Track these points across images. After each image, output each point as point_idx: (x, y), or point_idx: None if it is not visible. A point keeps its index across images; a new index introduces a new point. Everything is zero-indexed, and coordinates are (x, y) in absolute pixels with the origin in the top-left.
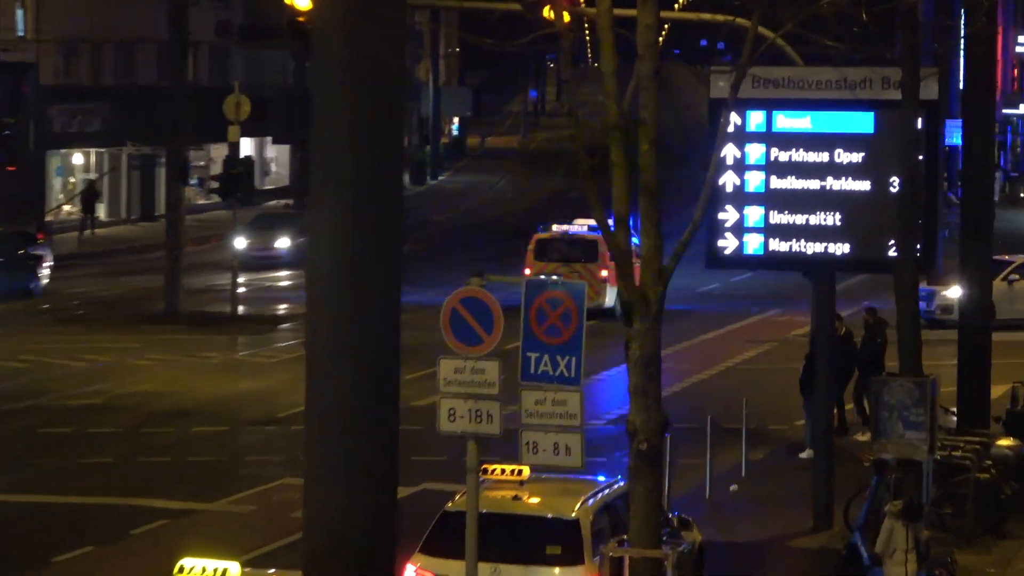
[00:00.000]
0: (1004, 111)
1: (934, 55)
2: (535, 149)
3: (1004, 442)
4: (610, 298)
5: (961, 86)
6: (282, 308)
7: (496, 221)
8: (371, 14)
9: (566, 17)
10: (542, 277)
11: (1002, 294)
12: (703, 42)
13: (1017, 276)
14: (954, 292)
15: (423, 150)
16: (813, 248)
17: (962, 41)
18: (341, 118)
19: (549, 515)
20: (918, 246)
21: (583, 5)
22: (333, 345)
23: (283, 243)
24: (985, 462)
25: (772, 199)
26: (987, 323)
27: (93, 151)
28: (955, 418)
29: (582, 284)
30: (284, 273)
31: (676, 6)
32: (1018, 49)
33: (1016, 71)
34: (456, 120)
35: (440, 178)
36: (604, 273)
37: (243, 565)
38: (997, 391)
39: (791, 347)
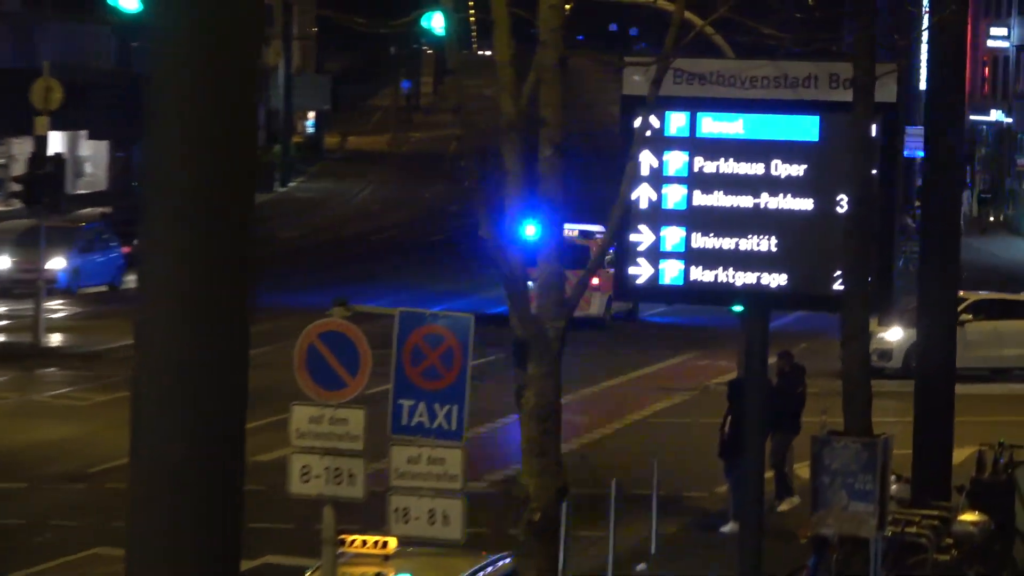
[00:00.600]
0: (972, 117)
1: (892, 49)
2: (408, 152)
3: (968, 517)
4: (598, 307)
5: (923, 86)
6: (94, 340)
7: (360, 238)
8: None
9: None
10: (419, 311)
11: None
12: (613, 26)
13: (970, 316)
14: (894, 334)
15: (271, 150)
16: (744, 279)
17: (925, 33)
18: (182, 115)
19: None
20: (870, 279)
21: None
22: (165, 387)
23: (58, 263)
24: (945, 541)
25: (695, 218)
26: (950, 375)
27: None
28: (909, 487)
29: (467, 319)
30: (58, 303)
31: None
32: (989, 43)
33: (987, 70)
34: (312, 115)
35: (291, 184)
36: (596, 281)
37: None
38: (959, 455)
39: (712, 397)
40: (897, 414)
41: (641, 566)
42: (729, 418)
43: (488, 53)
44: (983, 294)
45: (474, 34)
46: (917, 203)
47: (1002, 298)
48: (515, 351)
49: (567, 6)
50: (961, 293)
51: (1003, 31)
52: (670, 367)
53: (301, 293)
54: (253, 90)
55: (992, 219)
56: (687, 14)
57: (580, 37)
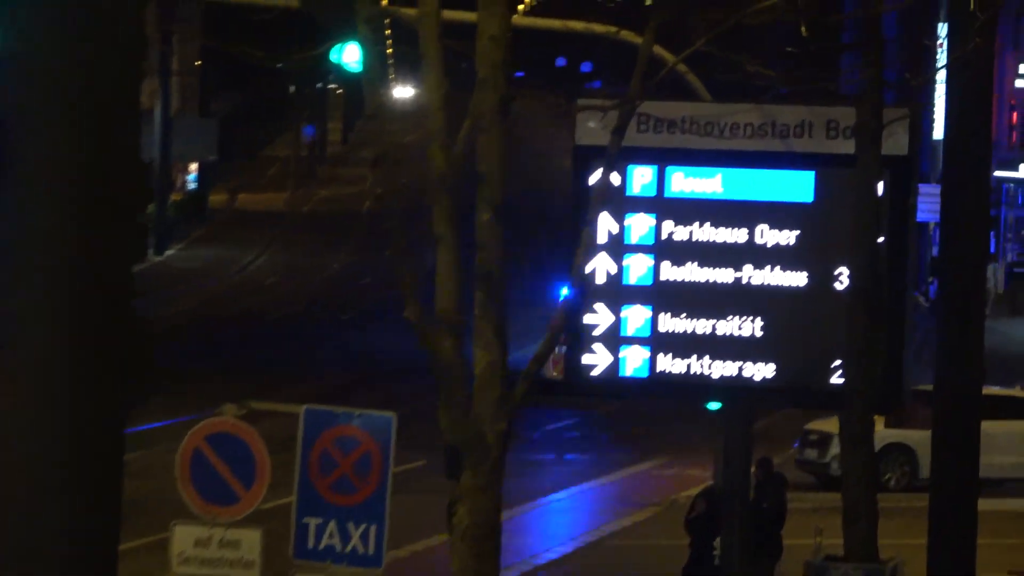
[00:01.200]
0: (997, 173)
1: (903, 91)
2: (312, 212)
3: None
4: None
5: (939, 136)
6: None
7: (251, 317)
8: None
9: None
10: (328, 408)
11: None
12: (560, 60)
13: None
14: (905, 436)
15: (143, 210)
16: (722, 370)
17: (942, 71)
18: (47, 166)
19: None
20: (876, 370)
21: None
22: (24, 492)
23: None
24: None
25: (663, 296)
26: (972, 486)
27: None
28: None
29: (388, 418)
30: None
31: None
32: (1019, 84)
33: (1015, 116)
34: (194, 167)
35: (169, 252)
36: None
37: None
38: None
39: (680, 514)
40: (908, 534)
41: None
42: (697, 540)
43: (412, 93)
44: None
45: (392, 73)
46: (932, 277)
47: (991, 393)
48: (447, 458)
49: (508, 33)
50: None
51: None
52: (631, 477)
53: (179, 385)
54: (135, 135)
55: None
56: (657, 48)
57: (520, 73)
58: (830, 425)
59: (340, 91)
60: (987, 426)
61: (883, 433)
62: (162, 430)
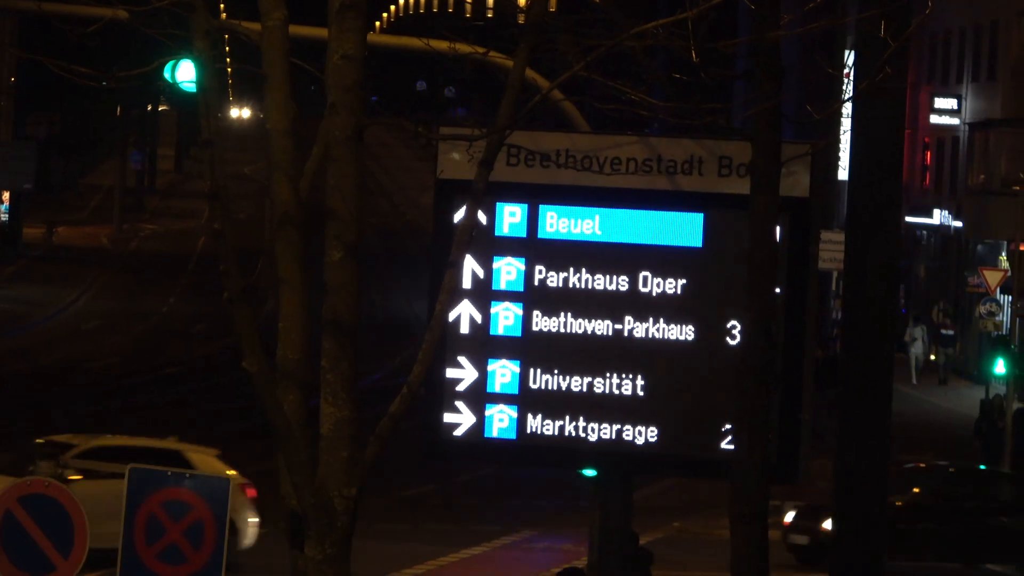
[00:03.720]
0: (908, 218)
1: (805, 124)
2: (138, 249)
3: None
4: None
5: (845, 176)
6: None
7: (67, 368)
8: None
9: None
10: (157, 468)
11: None
12: (420, 83)
13: None
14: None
15: None
16: (599, 432)
17: (848, 104)
18: None
19: None
20: (770, 437)
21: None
22: None
23: None
24: None
25: (534, 349)
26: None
27: None
28: None
29: (224, 480)
30: None
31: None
32: (933, 120)
33: (929, 155)
34: (7, 196)
35: None
36: None
37: None
38: None
39: None
40: None
41: None
42: None
43: (246, 115)
44: None
45: (231, 94)
46: (837, 331)
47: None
48: (290, 527)
49: (363, 52)
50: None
51: (951, 103)
52: (495, 551)
53: None
54: None
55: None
56: (529, 72)
57: (373, 98)
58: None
59: (171, 112)
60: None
61: None
62: None
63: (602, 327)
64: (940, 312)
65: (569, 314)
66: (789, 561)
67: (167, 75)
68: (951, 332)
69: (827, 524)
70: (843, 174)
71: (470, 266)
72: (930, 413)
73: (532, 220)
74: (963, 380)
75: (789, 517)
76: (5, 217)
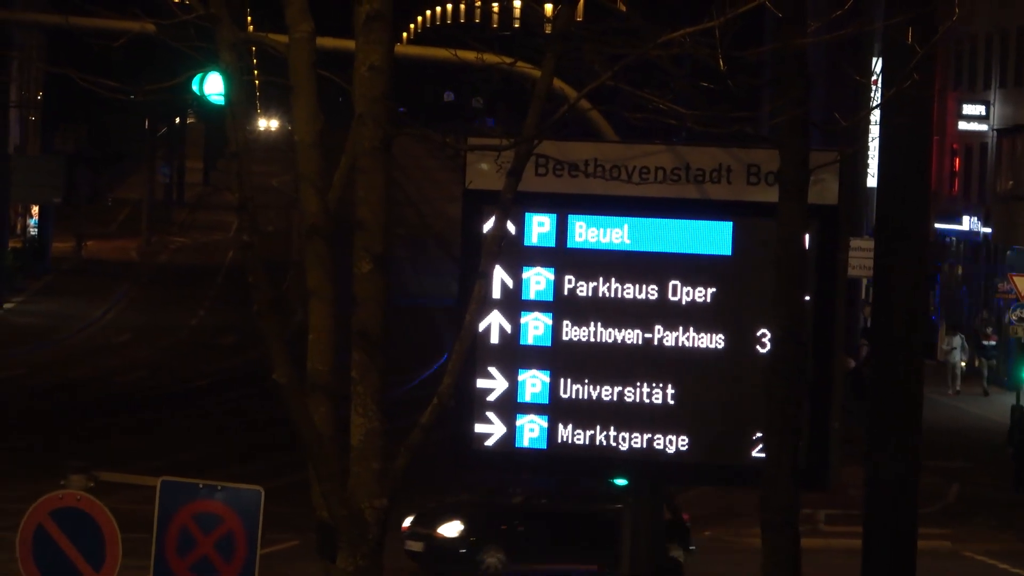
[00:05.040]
0: (937, 225)
1: (833, 132)
2: (167, 262)
3: None
4: None
5: (874, 183)
6: None
7: (97, 381)
8: None
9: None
10: (188, 481)
11: None
12: (448, 94)
13: None
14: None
15: None
16: (629, 441)
17: (876, 111)
18: None
19: None
20: (799, 444)
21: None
22: None
23: None
24: None
25: (563, 359)
26: None
27: None
28: None
29: (255, 493)
30: None
31: (406, 36)
32: (961, 126)
33: (957, 162)
34: (35, 211)
35: (7, 305)
36: None
37: None
38: None
39: None
40: None
41: None
42: None
43: (274, 127)
44: None
45: (259, 106)
46: (863, 342)
47: None
48: (320, 538)
49: (391, 63)
50: None
51: (979, 109)
52: None
53: (15, 456)
54: None
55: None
56: (557, 81)
57: (400, 109)
58: None
59: (200, 125)
60: None
61: None
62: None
63: (632, 336)
64: (982, 321)
65: (599, 323)
66: (412, 568)
67: (194, 88)
68: (993, 343)
69: (442, 529)
70: (872, 181)
71: (499, 276)
72: (965, 421)
73: (561, 230)
74: (997, 388)
75: (407, 523)
76: (34, 231)
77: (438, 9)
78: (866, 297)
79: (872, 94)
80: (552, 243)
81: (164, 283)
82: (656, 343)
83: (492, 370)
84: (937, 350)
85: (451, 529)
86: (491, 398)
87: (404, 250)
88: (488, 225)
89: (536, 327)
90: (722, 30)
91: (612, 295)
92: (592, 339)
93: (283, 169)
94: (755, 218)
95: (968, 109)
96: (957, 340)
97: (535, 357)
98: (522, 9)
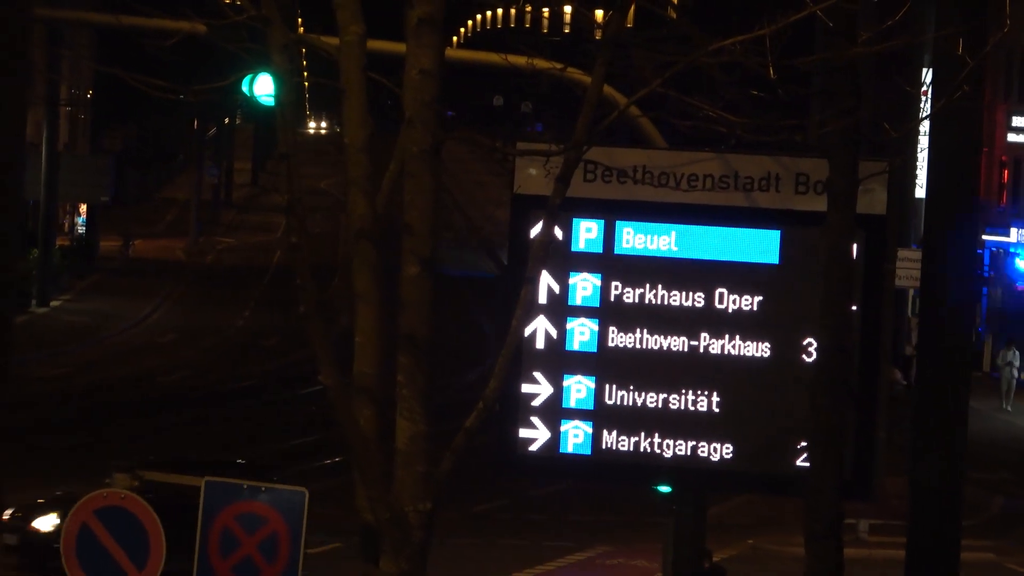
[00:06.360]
0: (985, 236)
1: (882, 142)
2: (214, 263)
3: None
4: None
5: (922, 193)
6: None
7: (142, 380)
8: None
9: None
10: (232, 481)
11: None
12: (497, 98)
13: None
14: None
15: (26, 257)
16: (673, 449)
17: (925, 122)
18: None
19: None
20: (843, 454)
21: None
22: None
23: None
24: None
25: (609, 365)
26: None
27: None
28: None
29: (299, 494)
30: None
31: (456, 40)
32: (1010, 138)
33: (1006, 173)
34: (84, 209)
35: (54, 303)
36: None
37: None
38: None
39: None
40: None
41: None
42: None
43: (324, 129)
44: None
45: (308, 109)
46: (910, 347)
47: None
48: (363, 541)
49: (441, 67)
50: None
51: None
52: (568, 568)
53: (63, 454)
54: (17, 175)
55: None
56: (606, 88)
57: (449, 113)
58: None
59: (248, 127)
60: None
61: None
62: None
63: (678, 343)
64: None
65: (645, 330)
66: (12, 563)
67: (244, 89)
68: None
69: (37, 523)
70: (920, 192)
71: (546, 281)
72: (1012, 434)
73: (608, 236)
74: None
75: (7, 515)
76: (82, 230)
77: (488, 14)
78: (913, 307)
79: (921, 105)
80: (599, 249)
81: (210, 284)
82: (702, 350)
83: (537, 375)
84: (983, 361)
85: (46, 523)
86: (536, 403)
87: (448, 252)
88: (536, 230)
89: (582, 333)
90: (772, 39)
91: (659, 302)
92: (638, 346)
93: (332, 171)
94: (803, 227)
95: (1017, 121)
96: (1012, 354)
97: (581, 363)
98: (572, 15)
